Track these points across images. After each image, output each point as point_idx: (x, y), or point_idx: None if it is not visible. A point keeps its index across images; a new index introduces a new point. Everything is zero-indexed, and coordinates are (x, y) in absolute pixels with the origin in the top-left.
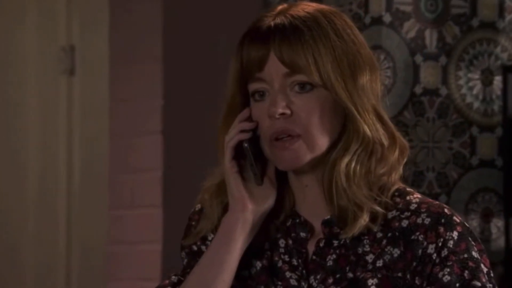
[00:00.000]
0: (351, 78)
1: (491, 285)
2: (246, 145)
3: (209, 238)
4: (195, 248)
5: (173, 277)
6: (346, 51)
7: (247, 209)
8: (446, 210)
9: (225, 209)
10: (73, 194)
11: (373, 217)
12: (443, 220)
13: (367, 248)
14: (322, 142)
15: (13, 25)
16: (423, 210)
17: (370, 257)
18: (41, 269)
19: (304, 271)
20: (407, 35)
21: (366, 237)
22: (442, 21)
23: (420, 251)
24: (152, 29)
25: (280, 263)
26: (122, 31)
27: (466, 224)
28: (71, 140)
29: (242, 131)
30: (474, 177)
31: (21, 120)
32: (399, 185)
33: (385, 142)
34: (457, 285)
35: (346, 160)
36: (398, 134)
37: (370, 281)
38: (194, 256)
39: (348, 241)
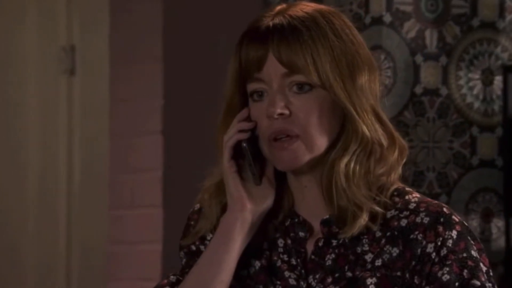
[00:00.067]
0: (349, 78)
1: (490, 284)
2: (244, 145)
3: (208, 238)
4: (193, 248)
5: (172, 276)
6: (345, 51)
7: (246, 209)
8: (445, 209)
9: (224, 209)
10: (73, 194)
11: (373, 217)
12: (442, 219)
13: (366, 248)
14: (321, 143)
15: (13, 25)
16: (422, 209)
17: (369, 257)
18: (41, 269)
19: (303, 271)
20: (407, 35)
21: (365, 236)
22: (442, 21)
23: (419, 250)
24: (152, 29)
25: (279, 263)
26: (122, 31)
27: (465, 223)
28: (71, 140)
29: (241, 131)
30: (474, 177)
31: (21, 120)
32: (398, 184)
33: (384, 142)
34: (456, 284)
35: (345, 160)
36: (397, 135)
37: (369, 280)
38: (193, 256)
39: (347, 241)
